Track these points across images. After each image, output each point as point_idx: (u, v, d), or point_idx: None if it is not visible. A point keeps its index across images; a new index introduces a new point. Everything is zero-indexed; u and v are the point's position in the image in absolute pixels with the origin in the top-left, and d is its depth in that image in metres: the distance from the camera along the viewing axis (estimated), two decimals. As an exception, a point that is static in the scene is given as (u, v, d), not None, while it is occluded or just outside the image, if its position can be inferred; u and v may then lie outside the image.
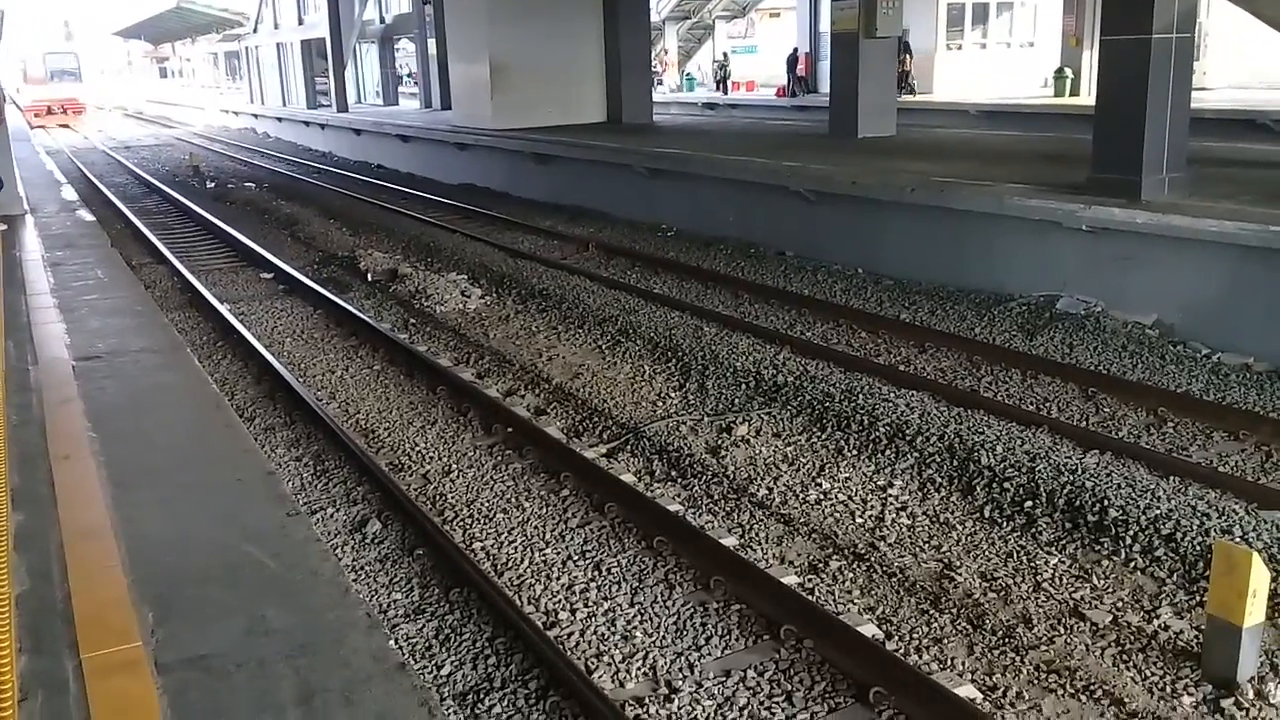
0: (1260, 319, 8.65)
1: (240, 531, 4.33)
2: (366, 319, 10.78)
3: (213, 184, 23.47)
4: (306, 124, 34.30)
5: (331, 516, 6.38)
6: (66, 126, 47.42)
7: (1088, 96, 21.33)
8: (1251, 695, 4.44)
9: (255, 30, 44.96)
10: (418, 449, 7.52)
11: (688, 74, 41.60)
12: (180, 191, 21.59)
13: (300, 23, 38.43)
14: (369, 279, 12.83)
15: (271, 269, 13.69)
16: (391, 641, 4.77)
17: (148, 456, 5.23)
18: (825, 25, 27.02)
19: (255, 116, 42.49)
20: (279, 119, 38.49)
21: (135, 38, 72.48)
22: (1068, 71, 25.86)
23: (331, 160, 29.29)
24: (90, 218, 14.48)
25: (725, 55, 38.92)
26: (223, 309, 11.23)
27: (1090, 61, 23.79)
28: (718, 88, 36.95)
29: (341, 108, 33.28)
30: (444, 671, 4.78)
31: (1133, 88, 9.90)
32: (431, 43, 29.70)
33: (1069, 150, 13.44)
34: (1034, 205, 10.47)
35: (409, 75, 37.20)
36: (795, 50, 32.62)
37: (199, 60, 70.00)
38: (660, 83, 37.87)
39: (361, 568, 5.75)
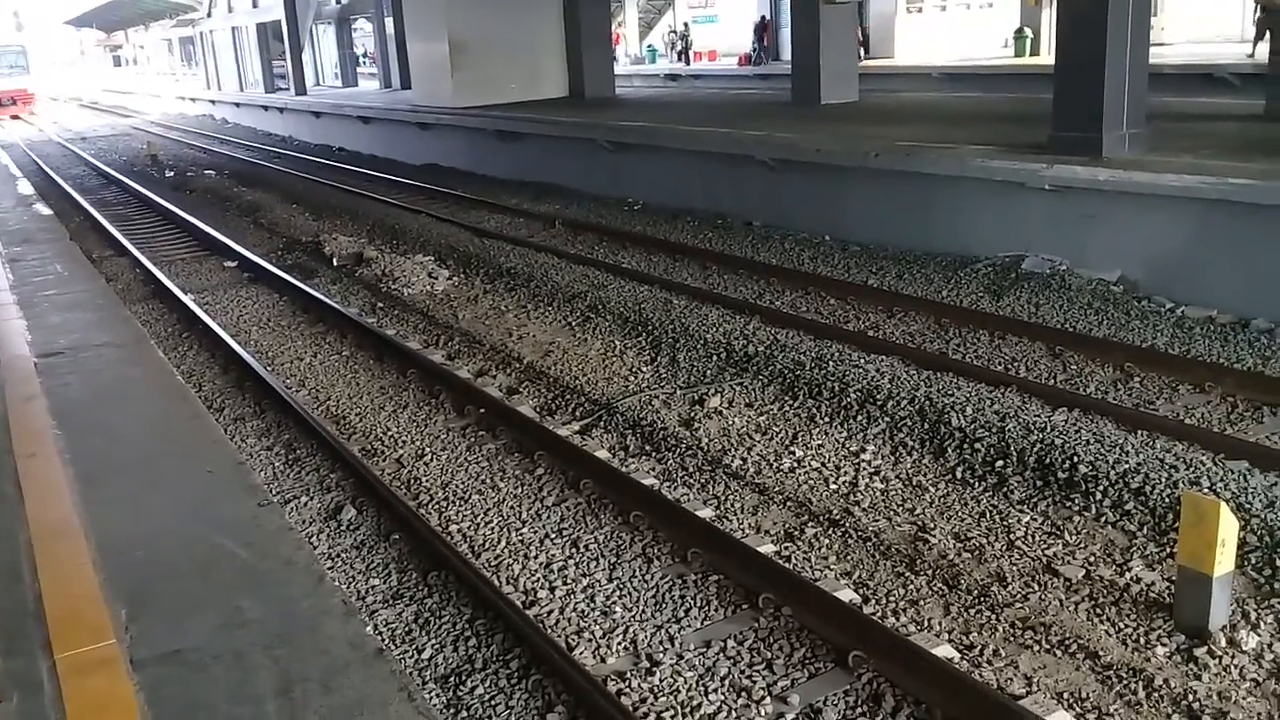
0: (1222, 271, 8.74)
1: (212, 523, 4.29)
2: (333, 304, 10.69)
3: (172, 173, 23.16)
4: (265, 108, 33.89)
5: (305, 505, 6.35)
6: (18, 118, 46.91)
7: (1048, 56, 21.38)
8: (1224, 643, 4.51)
9: (209, 15, 44.29)
10: (390, 433, 7.48)
11: (649, 45, 41.41)
12: (139, 181, 21.29)
13: (255, 5, 37.87)
14: (334, 264, 12.72)
15: (235, 257, 13.54)
16: (370, 627, 4.78)
17: (115, 451, 5.17)
18: (785, -8, 26.87)
19: (212, 103, 41.92)
20: (237, 104, 38.01)
21: (87, 26, 71.25)
22: (1027, 31, 25.94)
23: (292, 144, 28.96)
24: (48, 211, 14.27)
25: (686, 25, 38.76)
26: (186, 299, 11.11)
27: (1049, 20, 23.87)
28: (679, 58, 36.82)
29: (300, 91, 32.88)
30: (425, 655, 4.77)
31: (1091, 45, 9.93)
32: (389, 21, 29.37)
33: (1030, 110, 13.48)
34: (997, 166, 10.51)
35: (365, 55, 36.76)
36: (762, 18, 32.51)
37: (153, 47, 68.93)
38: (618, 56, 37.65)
39: (338, 555, 5.73)
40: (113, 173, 23.39)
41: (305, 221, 16.06)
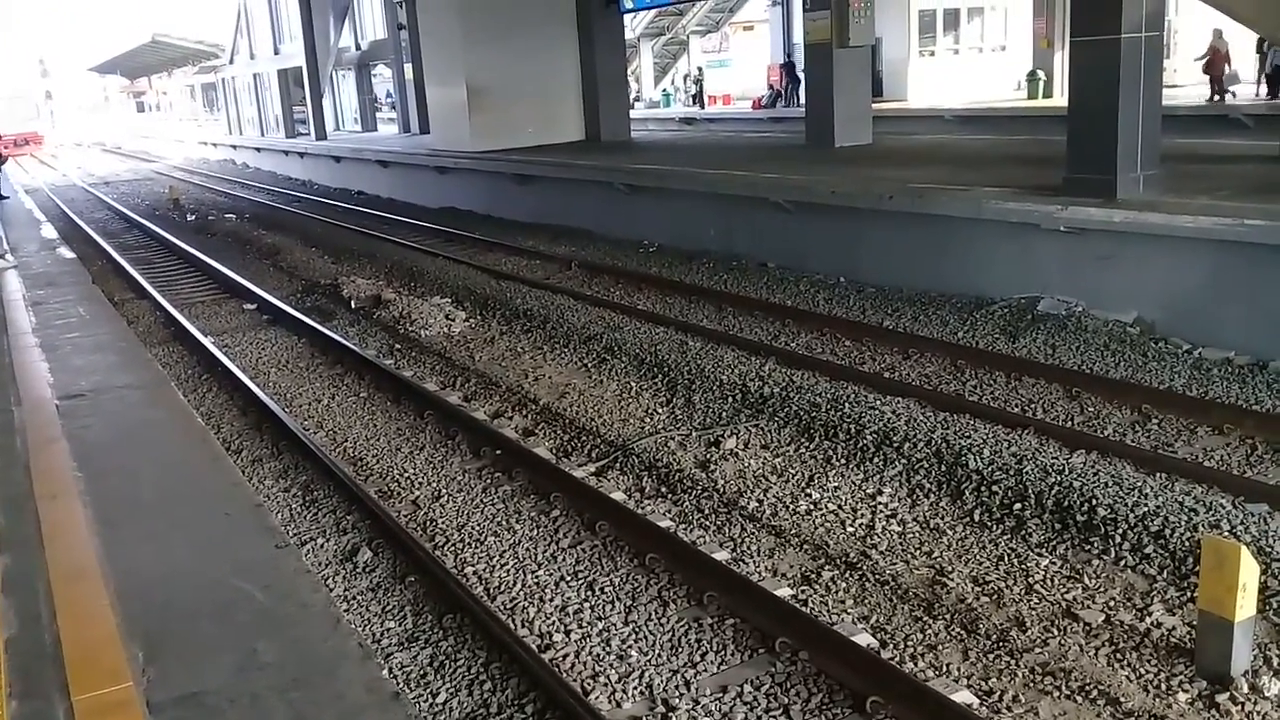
0: (1239, 313, 8.71)
1: (229, 565, 4.31)
2: (351, 346, 10.77)
3: (193, 216, 23.43)
4: (285, 153, 34.30)
5: (322, 546, 6.36)
6: (33, 157, 51.37)
7: (1060, 98, 21.46)
8: (1246, 689, 4.46)
9: (231, 61, 44.95)
10: (406, 475, 7.50)
11: (664, 89, 41.82)
12: (161, 225, 21.55)
13: (276, 52, 38.44)
14: (352, 306, 12.82)
15: (254, 300, 13.66)
16: (385, 671, 4.77)
17: (134, 493, 5.20)
18: (799, 37, 27.14)
19: (234, 147, 42.47)
20: (258, 149, 38.49)
21: (111, 73, 72.46)
22: (1040, 74, 26.07)
23: (312, 188, 29.28)
24: (71, 255, 14.45)
25: (700, 70, 39.13)
26: (206, 342, 11.20)
27: (1062, 63, 23.98)
28: (694, 101, 37.14)
29: (320, 135, 33.28)
30: (440, 699, 4.76)
31: (1104, 87, 9.98)
32: (408, 67, 29.75)
33: (1044, 152, 13.52)
34: (1012, 208, 10.53)
35: (387, 95, 37.23)
36: (790, 61, 32.71)
37: (176, 93, 70.01)
38: (637, 98, 38.08)
39: (353, 597, 5.73)
40: (135, 216, 23.69)
41: (324, 264, 16.21)
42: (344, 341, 10.97)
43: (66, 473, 5.42)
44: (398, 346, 11.12)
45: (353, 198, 25.85)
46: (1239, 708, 4.37)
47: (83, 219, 23.98)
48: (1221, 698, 4.42)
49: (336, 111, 37.58)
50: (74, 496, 5.08)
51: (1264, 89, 21.40)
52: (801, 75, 23.00)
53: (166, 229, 20.85)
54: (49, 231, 17.46)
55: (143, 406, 6.78)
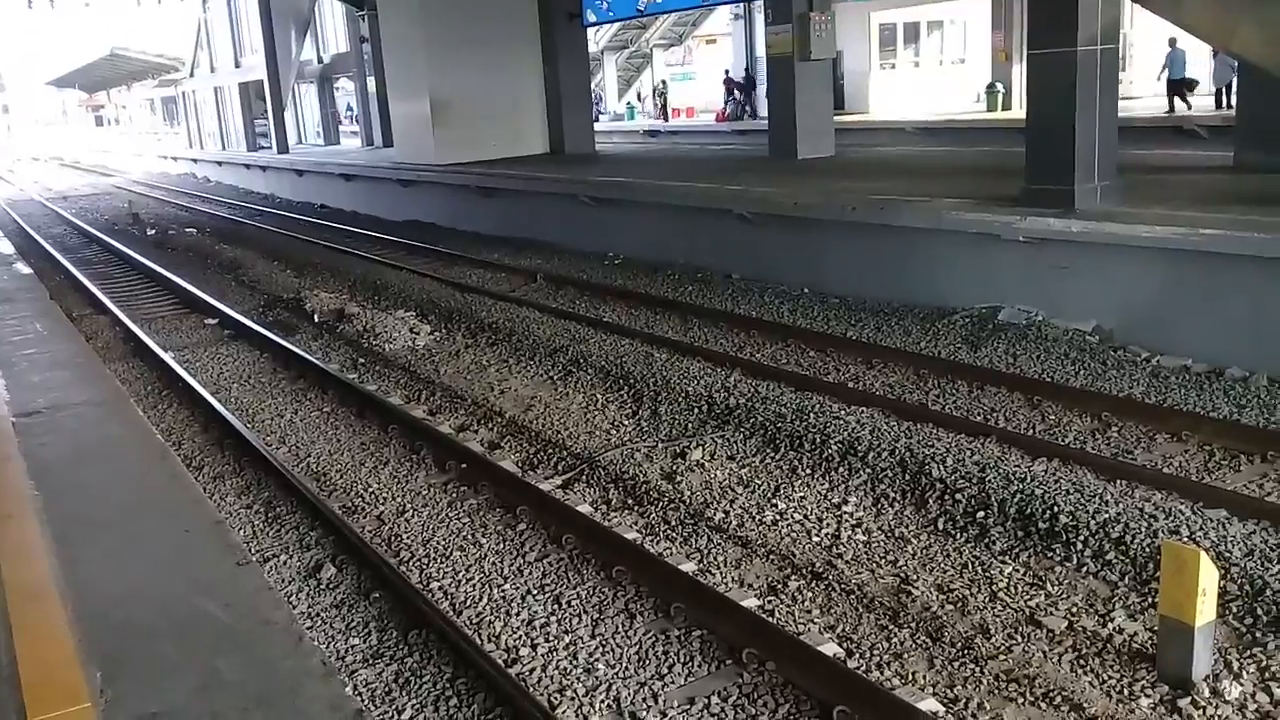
0: (1196, 321, 8.85)
1: (189, 583, 4.25)
2: (314, 360, 10.68)
3: (153, 231, 23.16)
4: (247, 167, 34.04)
5: (285, 563, 6.29)
6: None
7: (1019, 110, 21.77)
8: (1207, 694, 4.51)
9: (192, 75, 44.59)
10: (371, 490, 7.44)
11: (628, 102, 41.98)
12: (120, 240, 21.29)
13: (237, 65, 38.17)
14: (316, 320, 12.72)
15: (216, 314, 13.52)
16: (350, 688, 4.72)
17: (92, 512, 5.12)
18: (761, 50, 27.35)
19: (194, 161, 42.08)
20: (219, 163, 38.16)
21: (69, 86, 71.63)
22: (999, 86, 26.42)
23: (274, 202, 29.06)
24: (27, 270, 14.24)
25: (664, 82, 39.31)
26: (166, 357, 11.06)
27: (1020, 76, 24.32)
28: (659, 113, 37.33)
29: (282, 149, 33.06)
30: (405, 716, 4.72)
31: (1061, 99, 10.12)
32: (371, 81, 29.64)
33: (1003, 163, 13.68)
34: (971, 219, 10.65)
35: (348, 109, 37.07)
36: (747, 74, 33.11)
37: (135, 107, 69.31)
38: (602, 112, 38.19)
39: (317, 614, 5.67)
40: (94, 231, 23.39)
41: (287, 278, 16.08)
42: (307, 356, 10.88)
43: (23, 491, 5.32)
44: (362, 361, 11.05)
45: (316, 211, 25.68)
46: (1200, 712, 4.42)
47: (40, 234, 23.64)
48: (1183, 702, 4.47)
49: (299, 125, 37.35)
50: (30, 515, 4.99)
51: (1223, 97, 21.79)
52: (759, 86, 23.24)
53: (126, 244, 20.60)
54: (5, 246, 17.21)
55: (101, 423, 6.68)
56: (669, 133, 32.67)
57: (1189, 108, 20.86)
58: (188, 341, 12.39)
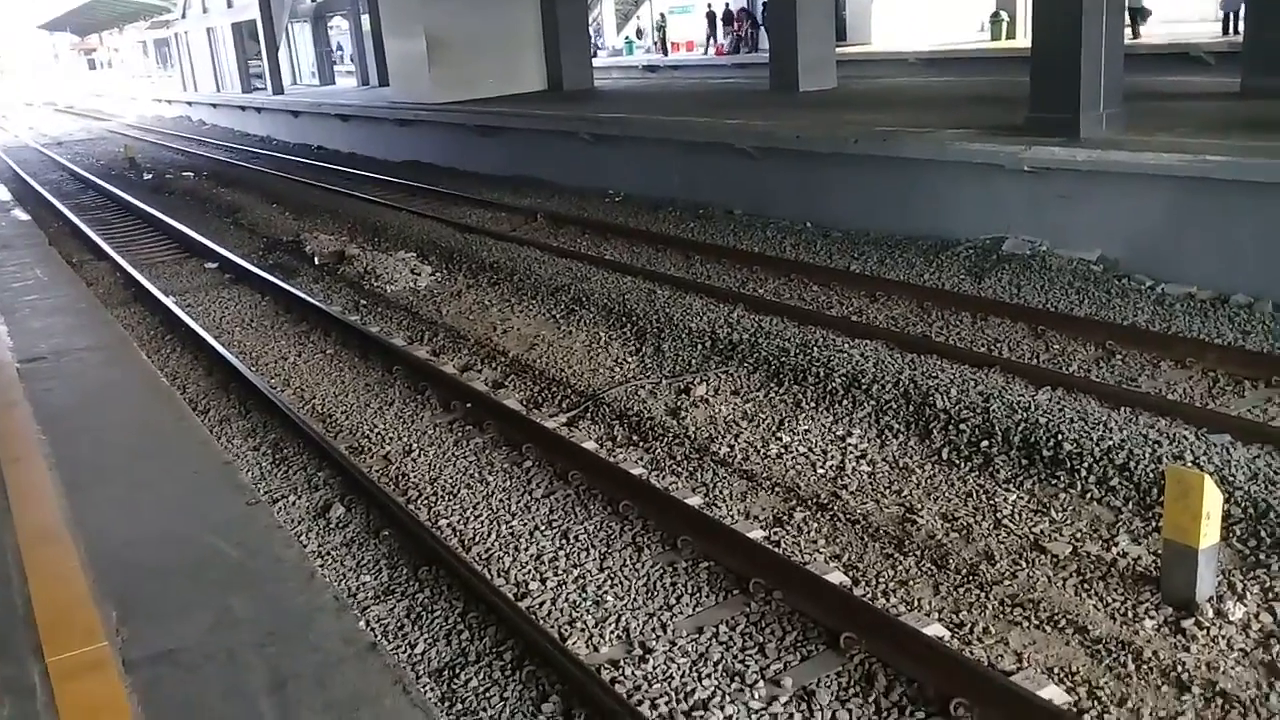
0: (1201, 248, 8.80)
1: (200, 523, 4.28)
2: (316, 303, 10.66)
3: (150, 175, 23.01)
4: (242, 109, 33.69)
5: (294, 504, 6.33)
6: None
7: (1023, 39, 21.46)
8: (1211, 614, 4.55)
9: (184, 15, 43.96)
10: (377, 430, 7.47)
11: (626, 37, 41.43)
12: (117, 185, 21.15)
13: (230, 5, 37.60)
14: (316, 263, 12.67)
15: (216, 258, 13.48)
16: (362, 623, 4.77)
17: (100, 455, 5.15)
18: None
19: (189, 104, 41.66)
20: (214, 105, 37.78)
21: (61, 30, 70.68)
22: (1003, 15, 26.03)
23: (270, 144, 28.82)
24: (25, 217, 14.19)
25: (663, 16, 38.77)
26: (168, 302, 11.05)
27: (1025, 4, 23.92)
28: (658, 47, 36.87)
29: (277, 90, 32.71)
30: (418, 650, 4.77)
31: (1067, 27, 9.98)
32: (365, 18, 29.22)
33: (1007, 93, 13.52)
34: (975, 149, 10.55)
35: (337, 47, 36.60)
36: (728, 8, 32.65)
37: (128, 50, 68.42)
38: (600, 47, 37.73)
39: (328, 553, 5.71)
40: (90, 176, 23.24)
41: (286, 221, 15.99)
42: (308, 298, 10.85)
43: (30, 436, 5.35)
44: (363, 302, 11.02)
45: (313, 153, 25.48)
46: (1204, 632, 4.47)
47: (36, 180, 23.49)
48: (1187, 623, 4.52)
49: (293, 65, 36.92)
50: (39, 459, 5.02)
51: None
52: (761, 22, 22.86)
53: (123, 188, 20.47)
54: (2, 193, 17.10)
55: (105, 368, 6.69)
56: (668, 67, 32.27)
57: (1135, 35, 20.51)
58: (189, 286, 12.35)
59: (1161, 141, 9.46)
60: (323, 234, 14.11)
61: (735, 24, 32.82)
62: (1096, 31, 9.90)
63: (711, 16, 33.34)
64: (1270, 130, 9.33)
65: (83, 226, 16.19)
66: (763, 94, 18.21)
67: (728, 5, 33.84)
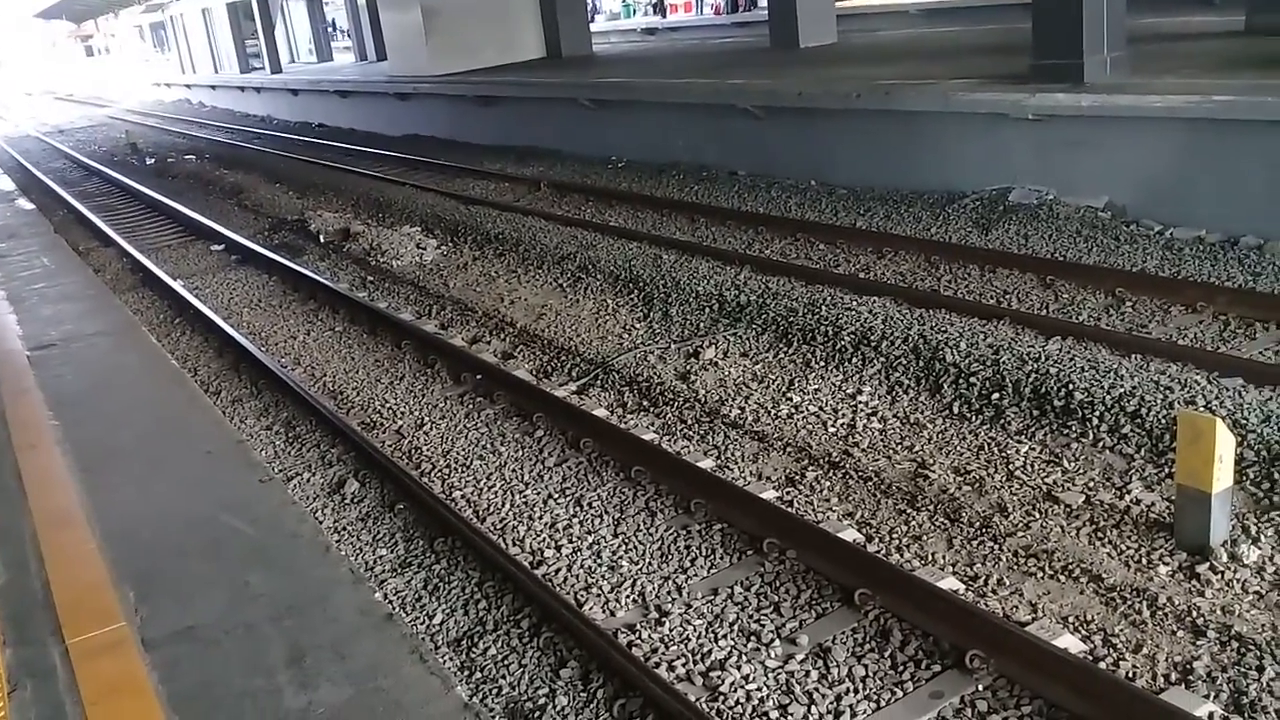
0: (1209, 191, 8.71)
1: (215, 502, 4.32)
2: (323, 281, 10.66)
3: (152, 160, 22.98)
4: (241, 89, 33.57)
5: (308, 481, 6.36)
6: None
7: (1026, -15, 21.15)
8: (1225, 558, 4.55)
9: (178, -3, 43.71)
10: (388, 405, 7.49)
11: (624, 0, 41.07)
12: (120, 171, 21.15)
13: (223, -15, 37.38)
14: (321, 241, 12.67)
15: (221, 240, 13.48)
16: (380, 595, 4.81)
17: (113, 438, 5.19)
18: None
19: (188, 87, 41.54)
20: (213, 87, 37.65)
21: (57, 18, 70.37)
22: (1004, -38, 25.62)
23: (270, 124, 28.75)
24: (30, 206, 14.22)
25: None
26: (176, 285, 11.07)
27: (1026, -51, 23.56)
28: (654, 10, 36.56)
29: (275, 69, 32.57)
30: (436, 620, 4.80)
31: (1068, -30, 9.83)
32: (360, -8, 29.04)
33: (1010, 41, 13.35)
34: (979, 99, 10.43)
35: (332, 23, 36.36)
36: None
37: (124, 35, 68.13)
38: (597, 11, 37.44)
39: (344, 528, 5.75)
40: (93, 164, 23.23)
41: (289, 200, 15.98)
42: (315, 277, 10.86)
43: (43, 422, 5.39)
44: (370, 279, 11.03)
45: (313, 131, 25.40)
46: (1219, 576, 4.46)
47: (40, 169, 23.50)
48: (1201, 568, 4.52)
49: (290, 43, 36.72)
50: (52, 445, 5.06)
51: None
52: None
53: (126, 174, 20.47)
54: (6, 183, 17.14)
55: (115, 352, 6.73)
56: (667, 29, 31.96)
57: None
58: (195, 269, 12.37)
59: (1167, 84, 9.34)
60: (327, 212, 14.09)
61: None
62: (1099, -26, 9.76)
63: None
64: (1277, 67, 9.21)
65: (88, 214, 16.20)
66: (763, 51, 18.05)
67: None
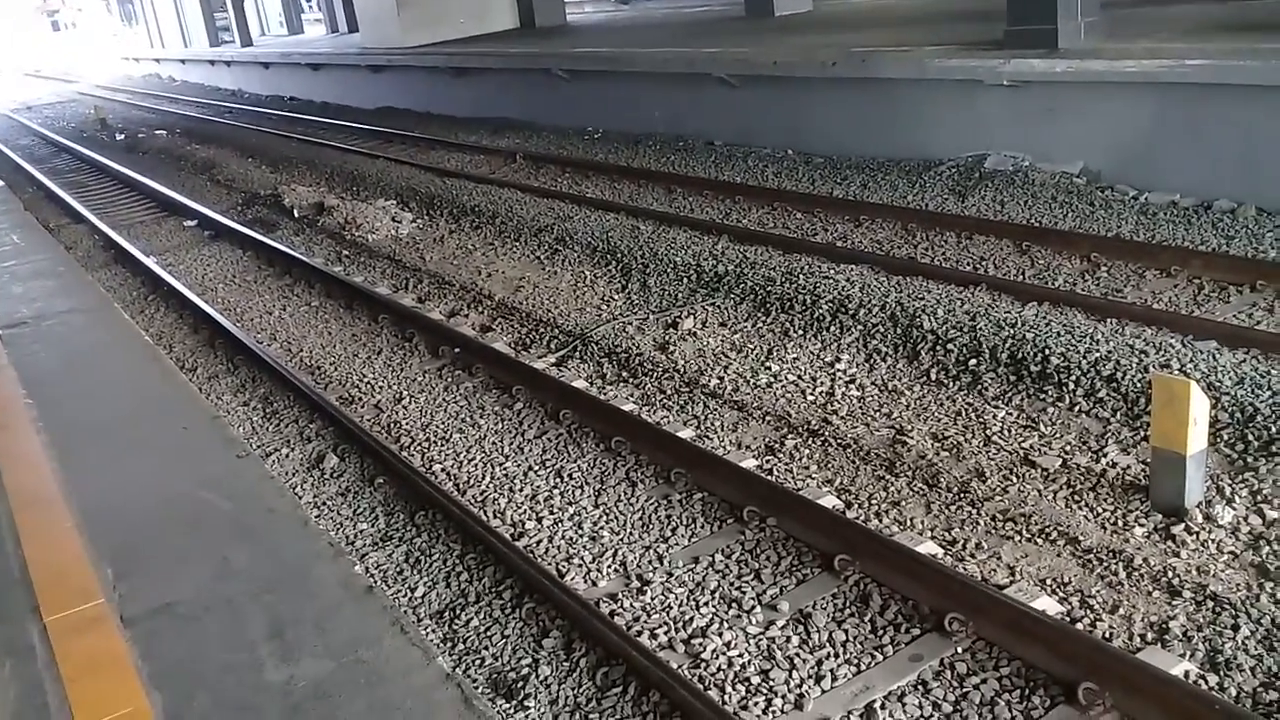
0: (1183, 155, 8.75)
1: (192, 478, 4.29)
2: (298, 255, 10.58)
3: (123, 136, 22.68)
4: (211, 63, 33.12)
5: (287, 456, 6.33)
6: None
7: (1001, -49, 21.07)
8: (1200, 519, 4.60)
9: (144, -30, 43.00)
10: (366, 380, 7.46)
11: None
12: (90, 147, 20.86)
13: (190, -44, 36.78)
14: (295, 215, 12.56)
15: (194, 216, 13.34)
16: (361, 569, 4.81)
17: (88, 416, 5.14)
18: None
19: (157, 61, 40.92)
20: (183, 61, 37.12)
21: (20, -9, 69.13)
22: (979, -72, 25.54)
23: (242, 98, 28.39)
24: (-2, 184, 14.00)
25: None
26: (149, 262, 10.96)
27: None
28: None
29: (245, 42, 32.13)
30: (418, 593, 4.81)
31: (1042, -66, 9.80)
32: (331, -37, 28.66)
33: (986, 7, 13.29)
34: (954, 65, 10.42)
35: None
36: None
37: (91, 8, 67.03)
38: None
39: (323, 503, 5.73)
40: (62, 140, 22.90)
41: (263, 175, 15.83)
42: (290, 251, 10.77)
43: (17, 401, 5.33)
44: (346, 253, 10.95)
45: (285, 104, 25.12)
46: (1194, 537, 4.52)
47: (7, 146, 23.15)
48: (1177, 529, 4.57)
49: (260, 15, 36.20)
50: (27, 424, 5.01)
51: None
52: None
53: (96, 150, 20.20)
54: (-27, 161, 16.86)
55: (89, 330, 6.66)
56: (642, -1, 31.71)
57: None
58: (169, 245, 12.25)
59: (1142, 48, 9.35)
60: (300, 186, 13.96)
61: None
62: (1073, -62, 9.74)
63: None
64: (1250, 31, 9.23)
65: (58, 190, 15.99)
66: (738, 20, 17.94)
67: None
